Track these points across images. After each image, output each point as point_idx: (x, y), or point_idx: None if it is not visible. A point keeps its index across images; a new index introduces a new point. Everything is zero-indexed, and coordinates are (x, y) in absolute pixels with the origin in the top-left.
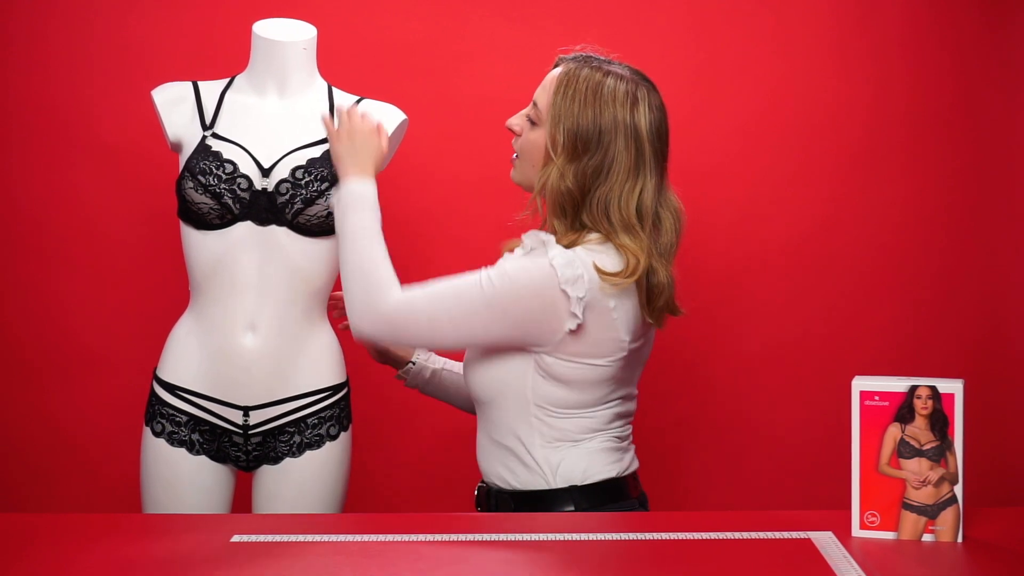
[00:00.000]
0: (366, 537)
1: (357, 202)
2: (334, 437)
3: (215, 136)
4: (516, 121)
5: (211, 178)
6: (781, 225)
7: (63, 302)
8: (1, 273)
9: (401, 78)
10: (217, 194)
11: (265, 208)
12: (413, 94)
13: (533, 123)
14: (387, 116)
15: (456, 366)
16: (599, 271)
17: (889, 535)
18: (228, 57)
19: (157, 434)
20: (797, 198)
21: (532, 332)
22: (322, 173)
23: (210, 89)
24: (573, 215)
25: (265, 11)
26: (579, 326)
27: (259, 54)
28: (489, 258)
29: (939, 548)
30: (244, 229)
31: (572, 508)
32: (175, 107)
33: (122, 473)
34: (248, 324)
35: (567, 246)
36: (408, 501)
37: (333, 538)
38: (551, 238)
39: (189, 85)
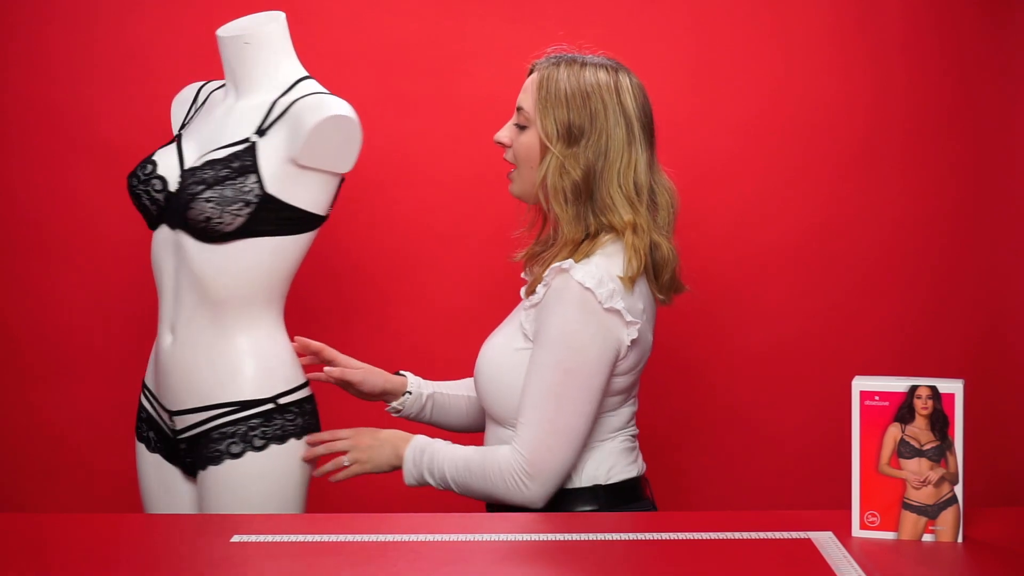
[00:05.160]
0: (366, 537)
1: (424, 459)
2: (259, 449)
3: (179, 137)
4: (504, 133)
5: (134, 179)
6: (781, 225)
7: (63, 302)
8: (1, 273)
9: (401, 78)
10: (136, 195)
11: (175, 211)
12: (413, 94)
13: (522, 128)
14: (323, 109)
15: (449, 387)
16: (622, 280)
17: (889, 535)
18: None
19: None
20: (797, 198)
21: (612, 356)
22: (203, 176)
23: (208, 89)
24: (575, 201)
25: (265, 11)
26: (638, 332)
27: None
28: (487, 258)
29: (939, 548)
30: (164, 232)
31: (595, 507)
32: (179, 108)
33: (122, 473)
34: (169, 326)
35: (585, 256)
36: (408, 501)
37: (333, 538)
38: (569, 261)
39: (197, 86)
